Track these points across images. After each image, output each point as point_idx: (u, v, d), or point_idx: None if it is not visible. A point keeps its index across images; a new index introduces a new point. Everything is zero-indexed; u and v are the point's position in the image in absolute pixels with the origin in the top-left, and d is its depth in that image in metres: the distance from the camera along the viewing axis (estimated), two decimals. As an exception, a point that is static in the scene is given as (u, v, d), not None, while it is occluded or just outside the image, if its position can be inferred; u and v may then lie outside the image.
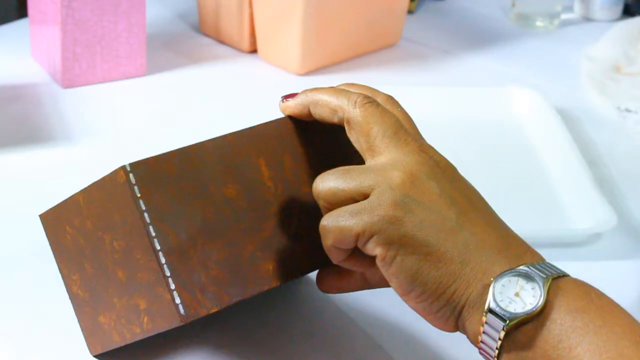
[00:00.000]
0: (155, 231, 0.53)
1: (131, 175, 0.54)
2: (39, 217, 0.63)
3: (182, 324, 0.54)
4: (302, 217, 0.60)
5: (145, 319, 0.56)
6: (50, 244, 0.62)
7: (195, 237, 0.55)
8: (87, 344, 0.62)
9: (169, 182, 0.55)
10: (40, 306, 0.69)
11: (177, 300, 0.53)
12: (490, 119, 0.99)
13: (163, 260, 0.53)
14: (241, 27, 1.13)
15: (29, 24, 1.09)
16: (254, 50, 1.14)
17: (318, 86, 0.61)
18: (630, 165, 0.94)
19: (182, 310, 0.53)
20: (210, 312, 0.55)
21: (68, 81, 1.02)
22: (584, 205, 0.83)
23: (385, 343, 0.67)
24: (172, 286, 0.53)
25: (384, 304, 0.70)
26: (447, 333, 0.57)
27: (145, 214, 0.53)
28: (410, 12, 1.30)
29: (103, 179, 0.56)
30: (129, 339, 0.58)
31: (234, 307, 0.68)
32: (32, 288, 0.71)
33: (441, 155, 0.58)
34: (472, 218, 0.55)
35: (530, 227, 0.81)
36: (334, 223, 0.55)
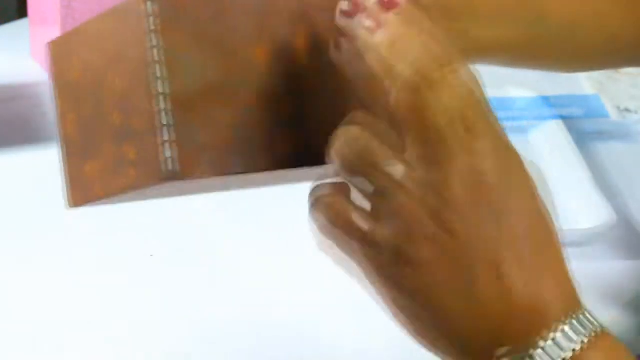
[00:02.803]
0: (160, 72, 0.47)
1: (149, 3, 0.47)
2: (47, 45, 0.55)
3: (168, 182, 0.47)
4: (336, 105, 0.53)
5: (132, 171, 0.49)
6: (53, 76, 0.55)
7: (206, 92, 0.48)
8: (68, 195, 0.55)
9: (193, 25, 0.48)
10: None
11: (168, 154, 0.47)
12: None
13: (162, 106, 0.47)
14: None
15: (29, 24, 1.09)
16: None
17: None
18: (630, 165, 0.94)
19: (170, 165, 0.47)
20: (204, 176, 0.48)
21: (68, 81, 1.02)
22: (584, 205, 0.83)
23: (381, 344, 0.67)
24: (166, 137, 0.47)
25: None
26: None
27: (155, 50, 0.47)
28: (410, 12, 1.30)
29: (121, 3, 0.49)
30: (111, 193, 0.51)
31: (235, 302, 0.68)
32: (31, 294, 0.71)
33: None
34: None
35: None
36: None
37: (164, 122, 0.47)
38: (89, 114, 0.52)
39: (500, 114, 0.65)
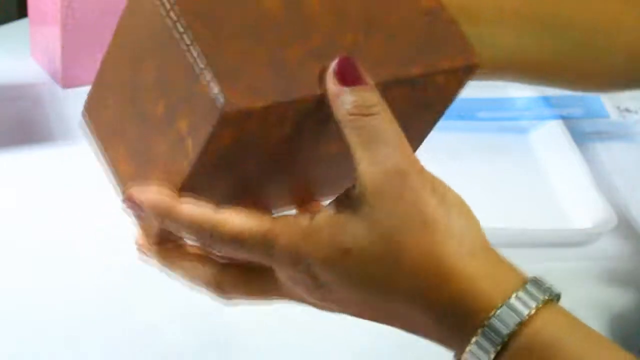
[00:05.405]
0: (181, 27, 0.49)
1: None
2: (81, 116, 0.59)
3: (224, 115, 0.48)
4: (358, 33, 0.53)
5: (190, 142, 0.50)
6: (95, 140, 0.58)
7: (233, 35, 0.50)
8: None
9: None
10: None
11: (215, 90, 0.48)
12: (490, 120, 0.99)
13: (194, 54, 0.49)
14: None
15: (29, 24, 1.09)
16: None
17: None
18: (630, 165, 0.94)
19: (220, 99, 0.48)
20: (255, 105, 0.49)
21: (68, 81, 1.02)
22: (584, 205, 0.83)
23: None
24: (208, 77, 0.48)
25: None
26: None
27: (171, 12, 0.49)
28: (410, 12, 1.30)
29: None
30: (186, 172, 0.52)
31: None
32: (30, 293, 0.71)
33: None
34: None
35: (531, 227, 0.81)
36: None
37: (201, 66, 0.48)
38: (135, 133, 0.54)
39: (500, 114, 0.64)
